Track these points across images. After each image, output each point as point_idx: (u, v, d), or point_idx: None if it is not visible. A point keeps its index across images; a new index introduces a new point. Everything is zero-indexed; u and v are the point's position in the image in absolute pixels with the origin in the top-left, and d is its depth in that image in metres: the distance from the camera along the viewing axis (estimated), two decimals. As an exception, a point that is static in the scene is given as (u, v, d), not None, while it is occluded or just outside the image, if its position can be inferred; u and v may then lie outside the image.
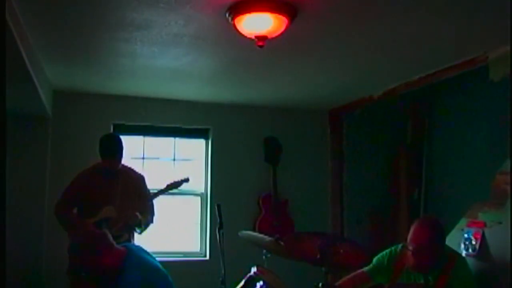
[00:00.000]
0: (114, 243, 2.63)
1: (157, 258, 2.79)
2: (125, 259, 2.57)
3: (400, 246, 3.02)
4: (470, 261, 3.12)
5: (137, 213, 3.74)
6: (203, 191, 5.36)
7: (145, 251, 2.80)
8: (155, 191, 4.07)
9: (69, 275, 3.51)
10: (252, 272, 2.86)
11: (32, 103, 4.28)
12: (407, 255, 2.83)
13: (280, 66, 4.01)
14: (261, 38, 2.87)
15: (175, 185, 4.10)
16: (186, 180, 4.17)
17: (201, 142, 5.46)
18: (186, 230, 5.39)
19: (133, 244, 3.46)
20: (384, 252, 3.05)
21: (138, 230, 3.83)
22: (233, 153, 5.39)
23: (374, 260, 3.05)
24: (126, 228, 3.72)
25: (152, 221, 3.92)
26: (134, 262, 2.57)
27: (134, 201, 3.81)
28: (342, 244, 2.73)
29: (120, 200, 3.78)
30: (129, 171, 3.99)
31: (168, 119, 5.26)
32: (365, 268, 3.06)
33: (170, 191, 4.17)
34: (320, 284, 2.68)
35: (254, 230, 5.10)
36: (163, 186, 4.12)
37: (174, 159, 5.37)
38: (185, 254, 5.24)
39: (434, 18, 2.94)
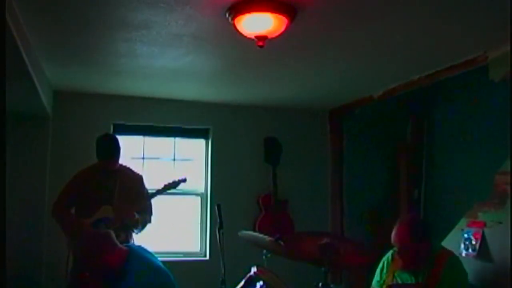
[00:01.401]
0: (118, 242, 2.65)
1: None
2: (127, 259, 2.58)
3: (391, 251, 3.03)
4: (470, 261, 3.12)
5: (135, 213, 3.74)
6: (203, 191, 5.36)
7: (147, 251, 2.81)
8: (153, 191, 4.07)
9: (71, 276, 3.51)
10: (252, 272, 2.86)
11: (32, 103, 4.27)
12: (396, 256, 2.86)
13: (280, 66, 4.00)
14: (261, 38, 2.87)
15: (173, 185, 4.10)
16: (184, 180, 4.16)
17: (201, 142, 5.46)
18: (186, 230, 5.38)
19: (136, 244, 3.46)
20: (380, 264, 3.07)
21: (135, 230, 3.83)
22: (233, 153, 5.39)
23: (377, 273, 3.06)
24: (123, 228, 3.72)
25: (150, 221, 3.92)
26: (137, 262, 2.59)
27: (132, 201, 3.81)
28: (342, 244, 2.73)
29: (118, 200, 3.77)
30: (127, 171, 3.99)
31: (168, 119, 5.26)
32: (374, 285, 3.08)
33: (170, 191, 4.17)
34: (320, 284, 2.68)
35: (254, 230, 5.10)
36: (162, 186, 4.11)
37: (174, 159, 5.36)
38: (185, 254, 5.24)
39: (434, 18, 2.94)
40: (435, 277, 2.74)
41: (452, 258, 2.88)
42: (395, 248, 2.97)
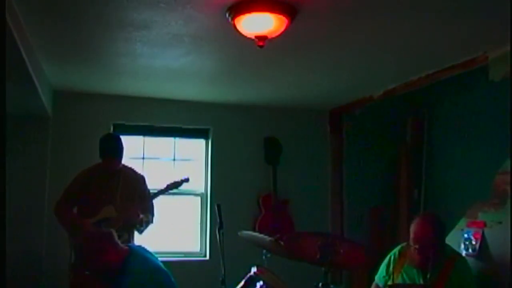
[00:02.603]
0: (119, 242, 2.66)
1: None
2: (128, 258, 2.59)
3: (399, 247, 3.02)
4: (470, 261, 3.12)
5: (139, 212, 3.74)
6: (203, 191, 5.36)
7: (148, 251, 2.82)
8: (155, 191, 4.07)
9: (72, 271, 3.53)
10: (252, 272, 2.86)
11: (32, 103, 4.28)
12: (409, 253, 2.82)
13: (280, 66, 4.00)
14: (261, 38, 2.87)
15: (175, 185, 4.10)
16: (186, 180, 4.16)
17: (201, 142, 5.46)
18: (186, 230, 5.38)
19: (136, 245, 3.47)
20: (386, 259, 3.05)
21: (139, 230, 3.83)
22: (233, 153, 5.39)
23: (381, 268, 3.05)
24: (126, 228, 3.72)
25: (152, 221, 3.92)
26: (137, 262, 2.60)
27: (134, 201, 3.81)
28: (342, 244, 2.73)
29: (120, 200, 3.78)
30: (130, 171, 3.99)
31: (168, 119, 5.26)
32: (377, 280, 3.07)
33: (170, 191, 4.17)
34: (320, 284, 2.68)
35: (254, 230, 5.09)
36: (163, 186, 4.11)
37: (174, 159, 5.36)
38: (185, 254, 5.24)
39: (434, 18, 2.94)
40: (443, 279, 2.73)
41: (460, 261, 2.87)
42: (402, 245, 2.96)
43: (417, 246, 2.76)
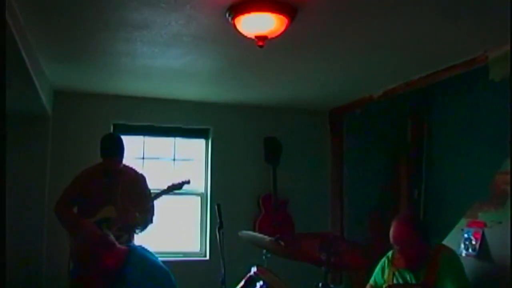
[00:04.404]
0: (116, 243, 2.64)
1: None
2: (127, 258, 2.58)
3: (391, 251, 3.02)
4: (470, 261, 3.12)
5: (137, 213, 3.74)
6: (203, 191, 5.36)
7: (148, 251, 2.81)
8: (156, 191, 4.07)
9: (71, 276, 3.52)
10: (252, 272, 2.86)
11: (32, 103, 4.28)
12: (396, 256, 2.84)
13: (280, 66, 4.00)
14: (261, 38, 2.87)
15: (176, 187, 4.10)
16: (187, 182, 4.17)
17: (201, 142, 5.46)
18: (186, 230, 5.39)
19: (136, 244, 3.46)
20: (380, 264, 3.06)
21: (137, 230, 3.83)
22: (233, 153, 5.39)
23: (376, 272, 3.06)
24: (125, 228, 3.72)
25: (151, 221, 3.93)
26: (137, 261, 2.59)
27: (135, 201, 3.81)
28: (342, 244, 2.73)
29: (121, 200, 3.78)
30: (130, 171, 3.99)
31: (168, 119, 5.26)
32: (372, 282, 3.07)
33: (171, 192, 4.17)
34: (320, 284, 2.68)
35: (254, 230, 5.10)
36: (163, 186, 4.12)
37: (174, 159, 5.37)
38: (185, 254, 5.25)
39: (434, 18, 2.94)
40: (432, 274, 2.73)
41: (446, 253, 2.87)
42: (393, 250, 2.97)
43: (398, 248, 2.78)
